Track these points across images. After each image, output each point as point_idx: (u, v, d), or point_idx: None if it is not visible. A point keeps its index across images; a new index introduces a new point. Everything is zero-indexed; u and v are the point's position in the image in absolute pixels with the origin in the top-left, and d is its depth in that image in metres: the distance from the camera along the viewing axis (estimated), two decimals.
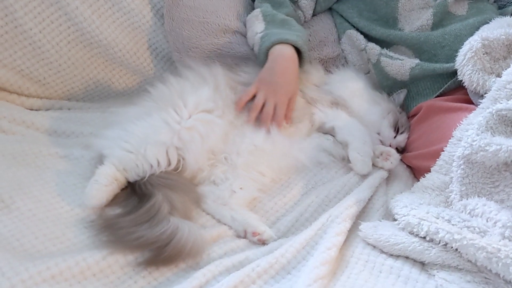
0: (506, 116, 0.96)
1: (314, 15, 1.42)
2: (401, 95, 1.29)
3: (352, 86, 1.28)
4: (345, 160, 1.21)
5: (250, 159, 1.11)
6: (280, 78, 1.18)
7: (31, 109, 1.30)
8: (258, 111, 1.16)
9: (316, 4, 1.39)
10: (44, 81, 1.32)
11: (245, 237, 0.99)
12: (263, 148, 1.13)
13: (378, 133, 1.25)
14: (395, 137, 1.24)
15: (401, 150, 1.25)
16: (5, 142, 1.09)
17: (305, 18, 1.39)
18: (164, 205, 0.95)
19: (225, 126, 1.13)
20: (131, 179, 1.02)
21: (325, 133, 1.23)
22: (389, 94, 1.33)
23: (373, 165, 1.20)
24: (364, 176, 1.16)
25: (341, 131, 1.21)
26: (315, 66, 1.34)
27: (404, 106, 1.31)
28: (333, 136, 1.22)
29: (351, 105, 1.25)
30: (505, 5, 1.39)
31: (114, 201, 0.99)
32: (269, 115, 1.16)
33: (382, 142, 1.24)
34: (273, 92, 1.17)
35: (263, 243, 0.97)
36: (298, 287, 0.81)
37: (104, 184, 0.98)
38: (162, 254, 0.86)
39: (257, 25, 1.28)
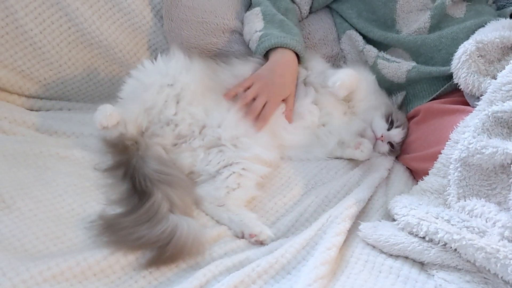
0: (502, 118, 0.97)
1: (312, 12, 1.43)
2: (399, 97, 1.29)
3: (359, 75, 1.28)
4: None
5: (234, 133, 1.13)
6: (277, 79, 1.19)
7: (32, 110, 1.30)
8: (246, 103, 1.16)
9: (313, 0, 1.40)
10: (44, 81, 1.32)
11: (243, 238, 0.99)
12: (242, 122, 1.15)
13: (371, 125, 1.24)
14: (389, 130, 1.22)
15: (396, 147, 1.24)
16: (6, 142, 1.09)
17: (301, 14, 1.39)
18: (163, 203, 0.95)
19: (201, 95, 1.15)
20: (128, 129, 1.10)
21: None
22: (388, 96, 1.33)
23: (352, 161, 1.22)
24: (364, 175, 1.17)
25: (329, 72, 1.22)
26: (317, 59, 1.34)
27: (403, 108, 1.31)
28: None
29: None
30: (504, 5, 1.39)
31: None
32: (256, 110, 1.16)
33: (374, 133, 1.23)
34: (266, 90, 1.18)
35: (261, 243, 0.97)
36: (298, 287, 0.82)
37: (110, 109, 1.08)
38: (164, 253, 0.87)
39: (256, 23, 1.29)
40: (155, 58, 1.19)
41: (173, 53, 1.20)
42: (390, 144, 1.24)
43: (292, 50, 1.24)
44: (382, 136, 1.22)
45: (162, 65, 1.17)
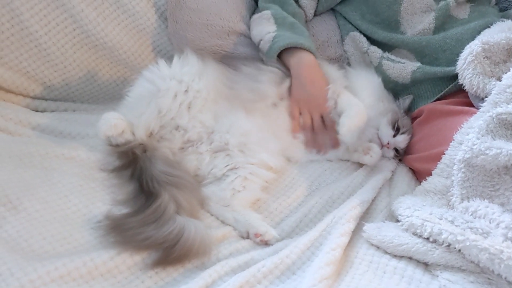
0: (506, 119, 0.97)
1: (316, 15, 1.43)
2: (406, 101, 1.28)
3: (365, 80, 1.29)
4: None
5: (242, 139, 1.13)
6: (310, 89, 1.22)
7: (37, 111, 1.30)
8: (311, 129, 1.22)
9: (318, 4, 1.40)
10: (49, 83, 1.33)
11: (248, 238, 1.00)
12: (252, 129, 1.16)
13: (377, 132, 1.25)
14: (394, 136, 1.23)
15: (401, 152, 1.25)
16: (12, 143, 1.10)
17: (306, 17, 1.40)
18: (170, 205, 0.95)
19: (211, 101, 1.16)
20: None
21: None
22: (393, 97, 1.33)
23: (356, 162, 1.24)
24: (368, 176, 1.18)
25: (341, 101, 1.22)
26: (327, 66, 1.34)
27: (409, 112, 1.30)
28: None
29: (359, 97, 1.24)
30: (506, 7, 1.40)
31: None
32: (321, 128, 1.22)
33: (380, 140, 1.24)
34: (308, 106, 1.22)
35: (266, 243, 0.98)
36: (303, 287, 0.82)
37: (114, 117, 1.09)
38: (171, 254, 0.87)
39: (267, 26, 1.29)
40: (161, 59, 1.19)
41: (187, 57, 1.19)
42: (395, 149, 1.24)
43: (307, 50, 1.24)
44: (388, 144, 1.23)
45: (178, 70, 1.16)
